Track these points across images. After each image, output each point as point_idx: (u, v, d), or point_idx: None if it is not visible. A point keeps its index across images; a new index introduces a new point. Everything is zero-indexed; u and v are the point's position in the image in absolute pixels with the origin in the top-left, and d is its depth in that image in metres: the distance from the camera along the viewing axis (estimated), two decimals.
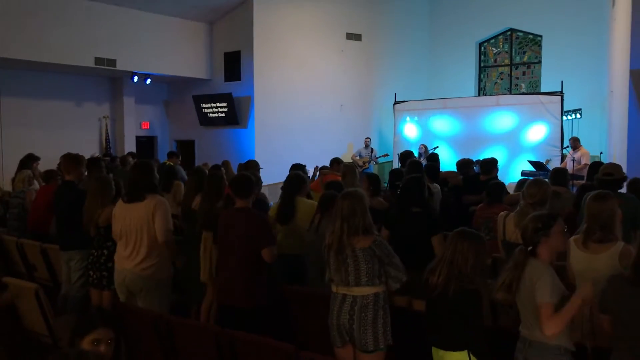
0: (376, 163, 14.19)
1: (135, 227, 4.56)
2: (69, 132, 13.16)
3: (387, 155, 14.44)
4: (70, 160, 5.71)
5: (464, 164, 8.14)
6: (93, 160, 7.21)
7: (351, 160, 13.10)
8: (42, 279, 6.25)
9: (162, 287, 4.64)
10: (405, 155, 8.88)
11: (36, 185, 7.95)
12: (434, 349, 3.30)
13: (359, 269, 3.50)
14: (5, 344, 3.60)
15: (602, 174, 5.10)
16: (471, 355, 3.16)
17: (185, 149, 15.26)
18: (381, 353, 3.53)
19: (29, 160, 8.95)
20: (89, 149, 13.02)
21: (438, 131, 14.37)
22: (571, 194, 6.33)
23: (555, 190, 5.34)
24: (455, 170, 8.45)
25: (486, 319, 3.62)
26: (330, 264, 3.64)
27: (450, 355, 3.19)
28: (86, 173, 6.50)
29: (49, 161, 9.12)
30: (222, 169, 7.80)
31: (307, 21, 14.72)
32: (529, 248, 3.10)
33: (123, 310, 3.92)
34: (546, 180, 5.16)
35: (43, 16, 11.59)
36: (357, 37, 15.49)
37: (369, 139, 14.35)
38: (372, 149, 14.22)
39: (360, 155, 14.08)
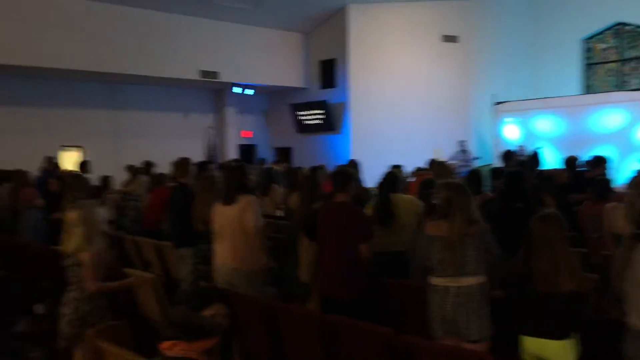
0: (471, 166, 13.79)
1: (228, 226, 4.80)
2: (177, 142, 13.98)
3: (478, 157, 14.01)
4: (182, 164, 6.13)
5: (569, 161, 7.81)
6: (202, 163, 7.67)
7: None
8: (156, 274, 6.70)
9: (257, 280, 4.84)
10: (508, 155, 8.67)
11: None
12: (529, 339, 3.26)
13: (465, 257, 3.50)
14: (128, 325, 3.93)
15: None
16: (575, 343, 3.11)
17: (284, 155, 15.73)
18: (486, 343, 3.51)
19: (147, 167, 9.74)
20: (196, 157, 13.77)
21: (541, 132, 13.84)
22: None
23: None
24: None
25: (591, 309, 3.51)
26: (434, 256, 3.63)
27: (552, 343, 3.15)
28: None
29: (160, 168, 9.76)
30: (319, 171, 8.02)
31: (402, 25, 14.74)
32: (638, 232, 2.99)
33: (232, 296, 4.14)
34: None
35: (152, 33, 12.47)
36: (453, 39, 15.26)
37: (464, 142, 14.05)
38: (466, 152, 13.87)
39: (454, 159, 13.80)
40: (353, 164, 7.60)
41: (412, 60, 14.77)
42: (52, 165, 10.88)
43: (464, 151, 13.86)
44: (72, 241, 3.87)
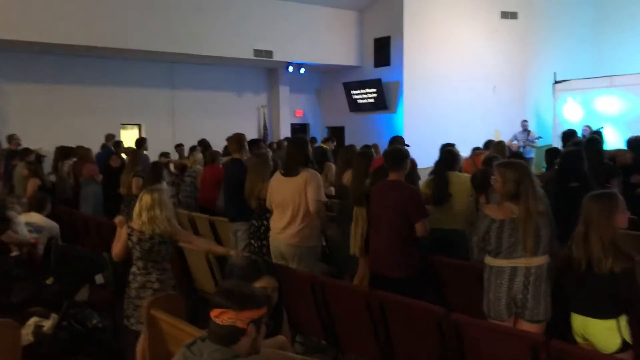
0: (533, 147, 13.39)
1: (290, 199, 4.81)
2: (231, 120, 14.16)
3: (540, 137, 13.57)
4: (236, 140, 6.21)
5: (634, 142, 7.46)
6: (254, 141, 7.76)
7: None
8: None
9: (312, 254, 4.87)
10: (568, 134, 8.37)
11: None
12: (577, 318, 3.24)
13: (539, 236, 3.42)
14: (184, 298, 4.05)
15: None
16: (621, 323, 3.09)
17: (336, 134, 15.70)
18: (544, 324, 3.46)
19: (202, 145, 9.98)
20: (249, 135, 13.91)
21: (604, 112, 13.26)
22: None
23: None
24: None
25: None
26: (500, 240, 3.52)
27: (595, 322, 3.14)
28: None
29: (214, 146, 9.94)
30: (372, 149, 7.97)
31: (458, 2, 14.35)
32: None
33: (282, 270, 4.20)
34: None
35: (207, 12, 12.60)
36: (512, 15, 14.75)
37: (526, 122, 13.59)
38: (529, 132, 13.45)
39: (516, 140, 13.41)
40: (397, 140, 7.50)
41: (469, 37, 14.38)
42: (112, 142, 11.26)
43: (526, 131, 13.43)
44: (155, 224, 3.93)
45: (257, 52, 13.48)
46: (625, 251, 3.10)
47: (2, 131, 11.01)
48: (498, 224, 3.51)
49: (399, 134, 13.56)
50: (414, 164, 5.74)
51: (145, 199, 4.00)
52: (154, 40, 11.97)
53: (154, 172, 7.14)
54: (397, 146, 4.89)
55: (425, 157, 7.17)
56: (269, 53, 13.65)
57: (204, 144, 10.26)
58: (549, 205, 3.56)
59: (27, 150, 9.41)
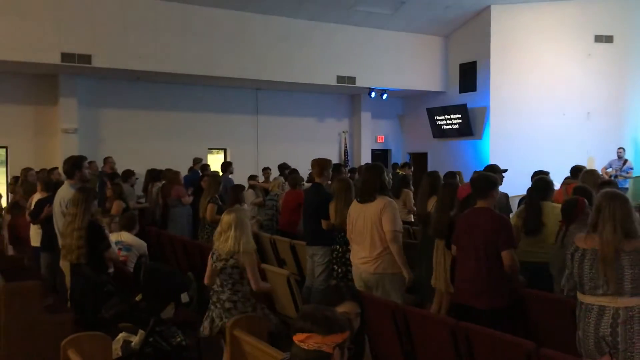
0: (627, 177, 12.55)
1: (367, 226, 4.75)
2: (312, 146, 14.33)
3: (632, 168, 12.69)
4: (319, 164, 6.24)
5: None
6: (336, 166, 7.78)
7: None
8: (291, 272, 6.90)
9: (394, 282, 4.75)
10: None
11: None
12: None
13: (622, 275, 3.17)
14: (264, 318, 4.06)
15: None
16: None
17: (418, 161, 15.52)
18: None
19: (284, 169, 10.15)
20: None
21: None
22: None
23: None
24: None
25: None
26: (582, 271, 3.33)
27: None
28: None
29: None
30: (457, 177, 7.78)
31: (549, 26, 13.91)
32: None
33: (364, 296, 4.12)
34: None
35: (291, 40, 12.93)
36: (607, 39, 14.08)
37: (622, 150, 12.83)
38: (625, 161, 12.66)
39: (610, 167, 12.68)
40: (495, 169, 7.26)
41: (560, 62, 13.86)
42: (200, 165, 11.66)
43: (622, 159, 12.66)
44: (229, 244, 4.09)
45: (340, 79, 13.63)
46: None
47: (99, 154, 11.68)
48: (581, 253, 3.31)
49: (485, 161, 13.23)
50: (506, 196, 5.55)
51: (226, 219, 4.13)
52: (241, 68, 12.39)
53: (234, 194, 7.34)
54: (486, 173, 4.73)
55: (512, 185, 6.90)
56: (351, 79, 13.76)
57: (284, 168, 10.43)
58: None
59: (128, 172, 9.88)
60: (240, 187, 7.84)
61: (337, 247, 5.44)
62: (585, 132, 13.72)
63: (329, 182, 6.56)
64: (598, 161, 12.75)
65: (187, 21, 11.84)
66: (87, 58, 10.81)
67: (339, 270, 5.33)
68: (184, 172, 11.13)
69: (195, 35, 11.85)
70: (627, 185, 12.04)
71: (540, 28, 13.85)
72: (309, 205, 6.15)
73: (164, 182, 9.77)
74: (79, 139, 11.94)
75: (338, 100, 15.65)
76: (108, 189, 8.55)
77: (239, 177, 11.23)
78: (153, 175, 10.20)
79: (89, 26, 10.89)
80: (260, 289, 4.33)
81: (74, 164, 5.74)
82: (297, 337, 2.08)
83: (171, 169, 10.03)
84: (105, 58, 11.02)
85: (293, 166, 10.69)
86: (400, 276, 4.85)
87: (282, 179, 9.08)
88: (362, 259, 4.80)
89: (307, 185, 7.87)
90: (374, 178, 4.89)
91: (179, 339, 4.53)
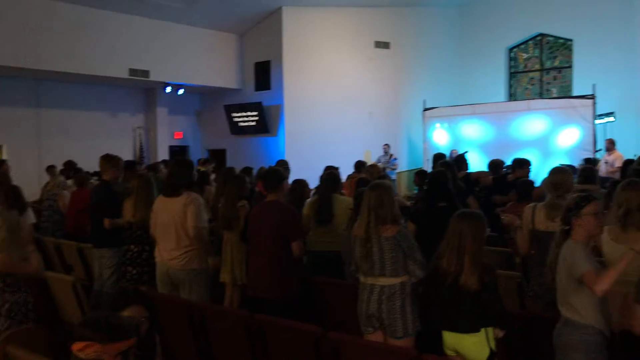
0: (393, 169, 13.99)
1: (173, 221, 4.66)
2: (104, 142, 13.40)
3: (396, 159, 14.34)
4: (108, 161, 5.89)
5: (494, 165, 8.10)
6: (129, 164, 7.42)
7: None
8: (79, 278, 6.43)
9: (200, 278, 4.72)
10: (438, 157, 8.88)
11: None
12: (447, 333, 3.36)
13: (384, 258, 3.56)
14: (46, 331, 3.74)
15: (637, 164, 5.02)
16: (489, 335, 3.23)
17: (217, 157, 15.51)
18: (410, 338, 3.58)
19: (68, 167, 9.33)
20: (124, 158, 13.34)
21: (468, 137, 14.31)
22: (601, 192, 6.23)
23: (584, 189, 5.26)
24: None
25: (514, 305, 3.65)
26: (357, 254, 3.70)
27: (465, 337, 3.27)
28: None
29: (85, 170, 9.37)
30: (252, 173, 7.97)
31: (336, 30, 14.88)
32: (566, 228, 3.12)
33: (156, 297, 4.03)
34: (568, 168, 4.96)
35: (79, 29, 11.99)
36: (385, 45, 15.56)
37: (387, 146, 14.31)
38: (390, 155, 14.16)
39: (379, 162, 14.05)
40: (283, 164, 7.60)
41: (345, 65, 14.94)
42: None
43: (388, 154, 14.13)
44: None
45: (133, 72, 13.02)
46: (488, 265, 3.31)
47: None
48: (357, 240, 3.68)
49: (282, 157, 13.72)
50: (302, 184, 5.83)
51: None
52: (18, 56, 11.13)
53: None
54: (274, 167, 4.92)
55: (306, 179, 7.27)
56: (145, 73, 13.23)
57: (69, 166, 9.61)
58: (403, 230, 3.67)
59: None
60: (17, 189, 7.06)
61: (132, 246, 5.21)
62: (369, 131, 15.00)
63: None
64: (374, 156, 14.08)
65: None
66: None
67: (134, 272, 5.12)
68: None
69: None
70: (394, 177, 13.48)
71: (328, 31, 14.76)
72: (94, 204, 5.80)
73: None
74: None
75: (132, 94, 14.92)
76: None
77: (19, 176, 10.11)
78: None
79: None
80: None
81: None
82: (76, 346, 1.98)
83: None
84: None
85: (83, 164, 9.93)
86: (207, 272, 4.84)
87: (62, 178, 8.38)
88: (168, 255, 4.68)
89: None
90: (182, 173, 4.80)
91: None
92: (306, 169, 8.74)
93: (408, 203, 5.98)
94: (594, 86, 12.45)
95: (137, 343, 2.14)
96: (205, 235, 4.80)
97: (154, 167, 11.27)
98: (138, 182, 5.42)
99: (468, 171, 8.14)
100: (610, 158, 10.85)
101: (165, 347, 3.82)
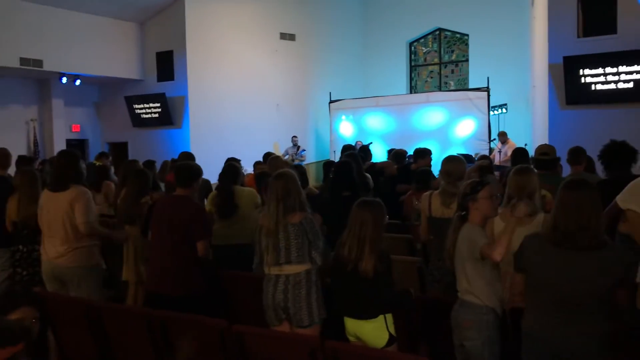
0: (300, 160, 14.17)
1: (58, 217, 4.46)
2: None
3: (304, 150, 14.58)
4: None
5: (398, 155, 8.36)
6: (21, 159, 6.98)
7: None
8: None
9: (91, 276, 4.55)
10: (346, 149, 9.06)
11: None
12: (348, 320, 3.46)
13: (289, 245, 3.58)
14: None
15: (538, 154, 5.35)
16: (387, 321, 3.35)
17: (118, 150, 14.92)
18: (316, 326, 3.63)
19: None
20: (17, 153, 12.52)
21: (372, 128, 14.70)
22: (495, 178, 6.63)
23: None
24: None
25: (415, 290, 3.80)
26: (262, 246, 3.69)
27: (364, 324, 3.38)
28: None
29: None
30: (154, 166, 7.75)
31: (240, 21, 14.71)
32: (463, 213, 3.28)
33: (52, 299, 3.83)
34: (461, 156, 5.21)
35: None
36: (290, 37, 15.60)
37: (296, 137, 14.47)
38: (298, 147, 14.35)
39: (287, 154, 14.18)
40: (189, 157, 7.45)
41: (251, 56, 14.82)
42: None
43: (296, 146, 14.32)
44: None
45: (24, 61, 12.20)
46: (384, 252, 3.42)
47: None
48: (263, 231, 3.68)
49: (186, 149, 13.42)
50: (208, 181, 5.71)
51: None
52: None
53: None
54: (190, 162, 4.81)
55: (212, 172, 7.16)
56: (38, 62, 12.45)
57: None
58: (309, 217, 3.67)
59: None
60: None
61: (20, 247, 4.91)
62: (276, 122, 15.03)
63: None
64: (282, 148, 14.12)
65: None
66: None
67: (24, 273, 4.83)
68: None
69: None
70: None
71: (233, 22, 14.55)
72: None
73: None
74: None
75: (24, 85, 13.98)
76: None
77: None
78: None
79: None
80: None
81: None
82: None
83: None
84: None
85: None
86: (98, 270, 4.65)
87: None
88: (54, 253, 4.47)
89: None
90: (68, 165, 4.58)
91: None
92: (212, 162, 8.62)
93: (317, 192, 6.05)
94: (488, 79, 13.15)
95: (28, 346, 2.04)
96: (97, 228, 4.63)
97: (50, 162, 10.71)
98: (21, 178, 5.10)
99: (372, 161, 8.37)
100: (504, 148, 11.60)
101: (63, 349, 3.65)
